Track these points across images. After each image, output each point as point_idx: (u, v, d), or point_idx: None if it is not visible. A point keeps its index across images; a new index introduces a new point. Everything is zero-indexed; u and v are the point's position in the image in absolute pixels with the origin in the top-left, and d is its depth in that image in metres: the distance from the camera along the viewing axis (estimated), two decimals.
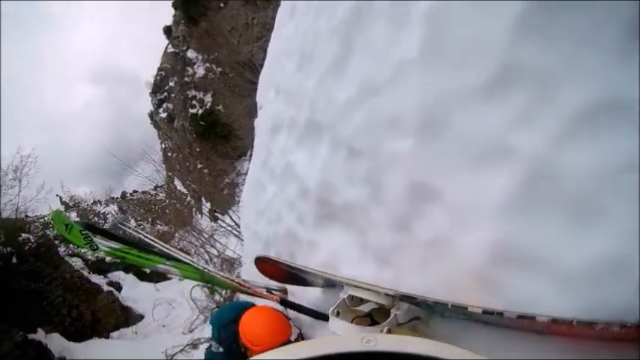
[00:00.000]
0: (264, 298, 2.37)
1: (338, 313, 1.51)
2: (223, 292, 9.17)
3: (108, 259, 15.43)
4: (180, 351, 9.61)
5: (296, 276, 2.07)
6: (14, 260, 10.24)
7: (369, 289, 1.46)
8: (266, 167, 2.94)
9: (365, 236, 1.79)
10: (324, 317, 2.09)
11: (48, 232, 11.91)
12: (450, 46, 1.42)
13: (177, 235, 16.44)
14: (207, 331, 2.35)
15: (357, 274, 1.71)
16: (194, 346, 9.45)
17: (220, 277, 2.48)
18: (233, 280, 2.47)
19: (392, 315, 1.36)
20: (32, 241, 11.39)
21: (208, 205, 16.05)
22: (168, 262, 2.49)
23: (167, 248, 2.58)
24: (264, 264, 2.18)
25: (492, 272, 1.30)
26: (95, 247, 2.44)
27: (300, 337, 2.31)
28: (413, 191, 1.53)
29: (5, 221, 11.65)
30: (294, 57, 2.53)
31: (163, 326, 12.28)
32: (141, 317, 13.35)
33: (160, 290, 14.91)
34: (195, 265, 2.48)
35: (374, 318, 1.56)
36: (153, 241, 2.61)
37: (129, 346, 10.74)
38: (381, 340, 0.55)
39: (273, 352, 0.59)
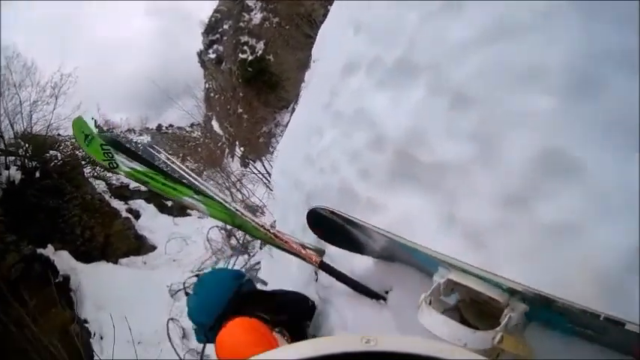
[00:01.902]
0: (301, 256, 2.04)
1: (430, 302, 1.16)
2: (241, 236, 9.07)
3: (132, 186, 15.70)
4: (185, 288, 9.68)
5: (351, 237, 1.75)
6: (37, 175, 10.40)
7: (483, 278, 1.13)
8: (328, 111, 2.60)
9: (454, 206, 1.46)
10: (365, 290, 1.86)
11: (78, 152, 12.00)
12: None
13: (204, 174, 16.49)
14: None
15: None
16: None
17: (254, 223, 2.14)
18: (268, 230, 2.11)
19: (505, 317, 1.03)
20: (59, 158, 11.65)
21: (241, 149, 15.96)
22: (196, 196, 2.21)
23: (199, 182, 2.29)
24: (318, 216, 1.85)
25: (625, 280, 1.02)
26: (115, 164, 2.18)
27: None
28: (543, 160, 1.20)
29: (35, 136, 11.72)
30: None
31: (174, 260, 12.31)
32: (153, 248, 13.44)
33: (178, 225, 14.92)
34: (227, 205, 2.17)
35: (462, 314, 1.24)
36: (185, 172, 2.30)
37: (135, 275, 10.84)
38: (381, 340, 0.54)
39: (273, 352, 0.59)
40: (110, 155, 2.18)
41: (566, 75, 1.23)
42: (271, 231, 2.08)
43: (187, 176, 2.24)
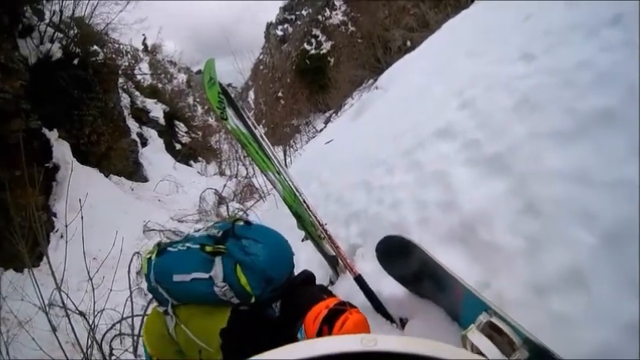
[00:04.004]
0: (345, 263, 2.12)
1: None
2: (233, 210, 9.13)
3: (152, 114, 15.71)
4: (159, 231, 9.71)
5: (412, 271, 1.88)
6: (75, 62, 10.45)
7: (515, 328, 1.30)
8: (407, 157, 2.73)
9: (493, 281, 1.64)
10: (385, 313, 1.96)
11: (120, 62, 12.02)
12: None
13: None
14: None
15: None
16: (174, 234, 9.51)
17: (313, 219, 2.21)
18: (325, 231, 2.18)
19: (515, 356, 1.23)
20: (100, 57, 11.65)
21: (264, 129, 15.98)
22: (277, 176, 2.30)
23: (279, 163, 2.34)
24: (395, 244, 1.95)
25: None
26: (225, 116, 2.26)
27: None
28: None
29: (89, 26, 11.82)
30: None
31: (159, 200, 12.30)
32: (145, 179, 13.47)
33: (177, 170, 15.07)
34: (297, 194, 2.25)
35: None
36: (270, 148, 2.35)
37: (119, 196, 10.80)
38: (380, 340, 0.53)
39: (274, 352, 0.56)
40: (223, 105, 2.25)
41: None
42: (328, 231, 2.19)
43: (270, 152, 2.32)
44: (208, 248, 1.54)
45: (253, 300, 1.48)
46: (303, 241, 2.53)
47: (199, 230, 1.76)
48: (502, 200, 1.81)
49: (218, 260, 1.51)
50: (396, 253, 1.90)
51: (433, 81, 3.62)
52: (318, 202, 3.12)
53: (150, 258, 1.68)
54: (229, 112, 2.29)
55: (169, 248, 1.66)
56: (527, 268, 1.54)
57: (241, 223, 1.65)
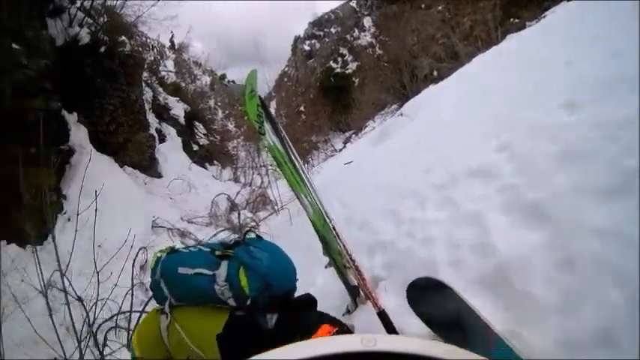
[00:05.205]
0: (370, 297, 2.05)
1: None
2: (244, 219, 9.10)
3: (172, 112, 15.77)
4: (169, 230, 9.68)
5: (446, 321, 1.85)
6: (102, 50, 10.39)
7: None
8: (441, 193, 2.70)
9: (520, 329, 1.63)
10: None
11: (146, 56, 12.09)
12: None
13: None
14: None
15: None
16: (182, 234, 9.45)
17: (340, 246, 2.17)
18: (353, 261, 2.12)
19: None
20: (127, 49, 11.69)
21: None
22: (310, 199, 2.25)
23: (311, 185, 2.28)
24: (432, 287, 1.93)
25: None
26: (263, 131, 2.21)
27: None
28: None
29: (119, 17, 11.92)
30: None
31: (170, 198, 12.15)
32: (159, 175, 13.29)
33: (191, 170, 14.94)
34: (326, 219, 2.20)
35: None
36: (302, 169, 2.33)
37: (131, 187, 10.65)
38: (380, 340, 0.53)
39: (274, 352, 0.57)
40: (262, 119, 2.20)
41: None
42: (355, 263, 2.14)
43: (303, 174, 2.29)
44: (218, 252, 1.60)
45: (249, 302, 1.51)
46: (326, 267, 2.49)
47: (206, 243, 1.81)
48: (539, 250, 1.79)
49: (224, 263, 1.55)
50: (430, 294, 1.87)
51: (465, 116, 3.61)
52: (339, 225, 3.11)
53: (160, 256, 1.72)
54: (267, 126, 2.26)
55: (181, 249, 1.72)
56: (559, 322, 1.53)
57: (253, 235, 1.69)
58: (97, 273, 3.69)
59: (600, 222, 1.67)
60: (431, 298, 1.88)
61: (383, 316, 1.99)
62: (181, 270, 1.59)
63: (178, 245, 1.81)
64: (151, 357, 1.66)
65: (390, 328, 1.97)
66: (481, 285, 1.93)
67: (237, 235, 1.77)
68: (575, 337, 1.44)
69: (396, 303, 2.11)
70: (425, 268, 2.19)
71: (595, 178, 1.87)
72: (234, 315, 1.54)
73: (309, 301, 1.66)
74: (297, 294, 1.67)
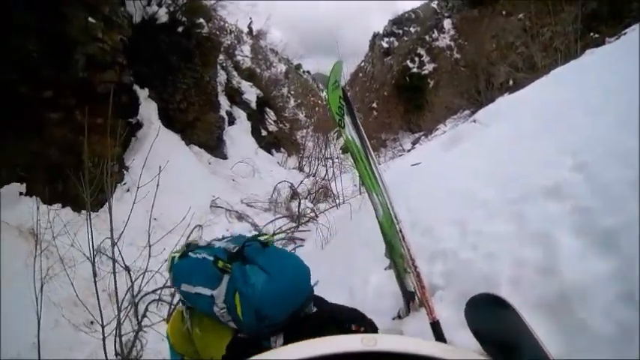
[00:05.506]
0: (427, 305, 2.03)
1: None
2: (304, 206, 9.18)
3: (245, 96, 16.14)
4: (226, 210, 9.84)
5: (501, 340, 1.83)
6: (179, 30, 10.75)
7: None
8: (512, 207, 2.62)
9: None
10: None
11: (223, 38, 12.23)
12: None
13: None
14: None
15: None
16: (240, 216, 9.60)
17: (404, 250, 2.16)
18: (415, 266, 2.11)
19: None
20: (205, 31, 12.05)
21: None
22: (382, 199, 2.26)
23: (383, 184, 2.29)
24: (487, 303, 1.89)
25: None
26: (343, 124, 2.21)
27: None
28: None
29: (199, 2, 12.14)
30: None
31: (233, 180, 12.38)
32: (224, 157, 13.58)
33: (257, 155, 15.10)
34: (394, 221, 2.19)
35: None
36: (377, 167, 2.31)
37: (196, 167, 10.97)
38: (380, 340, 0.54)
39: (274, 352, 0.60)
40: (342, 112, 2.20)
41: None
42: (418, 269, 2.13)
43: (377, 173, 2.28)
44: (220, 263, 1.43)
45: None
46: (385, 269, 2.50)
47: (223, 239, 1.68)
48: (606, 279, 1.74)
49: (225, 279, 1.41)
50: (489, 311, 1.85)
51: (541, 130, 3.49)
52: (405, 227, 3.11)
53: (174, 257, 1.63)
54: (347, 120, 2.25)
55: (190, 253, 1.59)
56: (612, 355, 1.52)
57: (257, 244, 1.50)
58: (150, 246, 3.79)
59: None
60: (490, 316, 1.83)
61: (436, 326, 1.98)
62: (184, 288, 1.52)
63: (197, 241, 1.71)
64: (181, 351, 1.66)
65: (442, 340, 1.92)
66: (540, 307, 1.89)
67: (243, 238, 1.58)
68: None
69: (448, 314, 2.10)
70: (484, 282, 2.18)
71: None
72: (237, 337, 1.43)
73: (331, 319, 1.41)
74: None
